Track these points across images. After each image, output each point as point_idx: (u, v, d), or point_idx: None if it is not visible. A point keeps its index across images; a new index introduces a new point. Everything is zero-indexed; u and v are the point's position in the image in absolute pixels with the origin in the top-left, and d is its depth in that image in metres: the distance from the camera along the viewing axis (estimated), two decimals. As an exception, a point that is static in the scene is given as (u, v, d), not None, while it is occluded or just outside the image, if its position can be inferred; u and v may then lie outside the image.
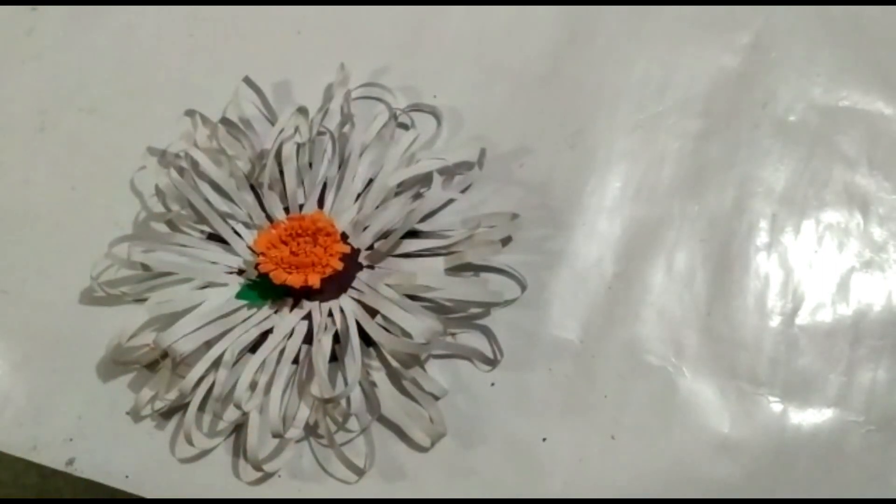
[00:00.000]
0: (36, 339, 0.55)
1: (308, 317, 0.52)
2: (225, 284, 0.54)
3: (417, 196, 0.54)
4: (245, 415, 0.49)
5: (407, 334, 0.50)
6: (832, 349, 0.50)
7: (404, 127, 0.58)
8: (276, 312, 0.53)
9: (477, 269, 0.54)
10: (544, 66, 0.59)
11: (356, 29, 0.63)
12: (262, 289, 0.53)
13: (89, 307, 0.55)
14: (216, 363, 0.51)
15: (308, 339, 0.52)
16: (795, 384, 0.49)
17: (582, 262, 0.53)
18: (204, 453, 0.51)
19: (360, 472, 0.49)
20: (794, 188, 0.54)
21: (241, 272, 0.54)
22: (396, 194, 0.54)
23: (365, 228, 0.54)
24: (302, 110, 0.57)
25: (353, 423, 0.50)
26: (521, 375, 0.51)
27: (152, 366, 0.53)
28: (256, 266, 0.52)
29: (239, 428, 0.51)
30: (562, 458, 0.49)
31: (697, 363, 0.50)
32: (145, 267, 0.54)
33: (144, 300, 0.54)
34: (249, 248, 0.55)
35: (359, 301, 0.52)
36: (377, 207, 0.54)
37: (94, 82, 0.63)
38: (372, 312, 0.52)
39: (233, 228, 0.55)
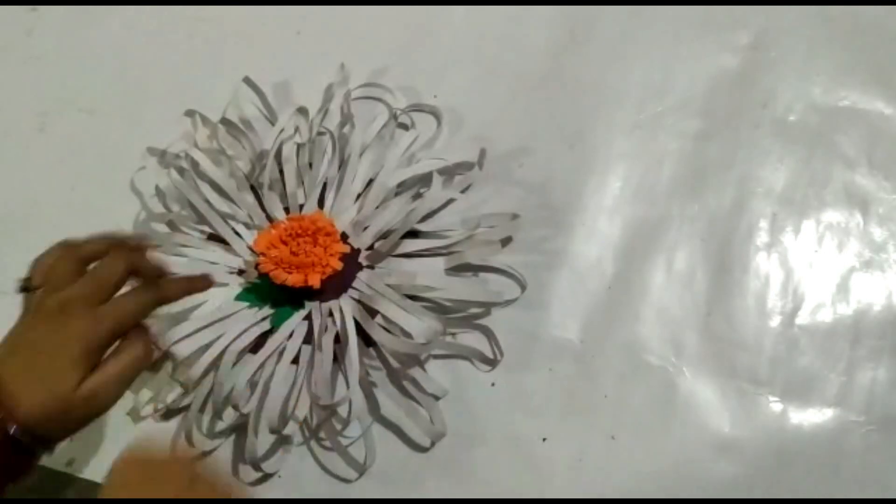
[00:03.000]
0: (36, 339, 0.55)
1: (308, 317, 0.52)
2: (225, 284, 0.54)
3: (417, 196, 0.54)
4: (244, 416, 0.49)
5: (407, 334, 0.50)
6: (832, 349, 0.50)
7: (404, 127, 0.58)
8: (276, 313, 0.53)
9: (477, 269, 0.54)
10: (544, 66, 0.59)
11: (356, 29, 0.63)
12: (262, 289, 0.53)
13: (89, 307, 0.55)
14: (216, 363, 0.51)
15: (308, 339, 0.52)
16: (796, 384, 0.49)
17: (582, 263, 0.53)
18: (204, 454, 0.51)
19: (359, 473, 0.49)
20: (794, 188, 0.54)
21: (241, 272, 0.54)
22: (396, 194, 0.54)
23: (365, 228, 0.54)
24: (302, 110, 0.57)
25: (352, 425, 0.50)
26: (521, 375, 0.51)
27: (152, 366, 0.53)
28: (256, 266, 0.52)
29: (239, 429, 0.51)
30: (562, 458, 0.49)
31: (697, 363, 0.50)
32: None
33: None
34: (249, 248, 0.55)
35: (359, 301, 0.52)
36: (377, 207, 0.54)
37: (93, 83, 0.63)
38: (372, 312, 0.52)
39: (233, 229, 0.55)
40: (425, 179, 0.55)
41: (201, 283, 0.47)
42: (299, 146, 0.55)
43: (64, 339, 0.39)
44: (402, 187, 0.55)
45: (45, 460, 0.43)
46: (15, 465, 0.38)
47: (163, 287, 0.44)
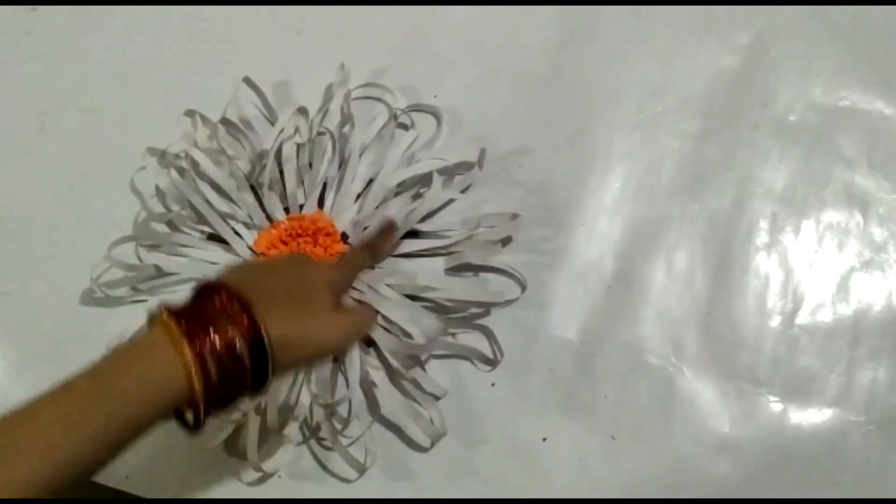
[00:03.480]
0: (36, 339, 0.55)
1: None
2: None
3: (417, 196, 0.54)
4: (244, 415, 0.49)
5: (407, 334, 0.50)
6: (832, 349, 0.50)
7: (404, 127, 0.58)
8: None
9: (477, 269, 0.54)
10: (544, 66, 0.59)
11: (356, 29, 0.62)
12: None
13: (89, 308, 0.55)
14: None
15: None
16: (795, 384, 0.49)
17: (582, 262, 0.53)
18: (204, 453, 0.51)
19: (359, 472, 0.49)
20: (794, 188, 0.54)
21: (241, 272, 0.54)
22: (396, 194, 0.54)
23: (365, 228, 0.54)
24: (302, 110, 0.57)
25: (353, 425, 0.50)
26: (521, 375, 0.51)
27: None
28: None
29: (239, 429, 0.51)
30: (562, 458, 0.49)
31: (697, 363, 0.50)
32: (149, 268, 0.54)
33: (144, 301, 0.54)
34: (250, 248, 0.54)
35: (359, 301, 0.52)
36: (377, 207, 0.54)
37: (93, 83, 0.63)
38: (372, 312, 0.52)
39: (233, 229, 0.55)
40: (425, 179, 0.55)
41: (395, 230, 0.51)
42: (299, 146, 0.55)
43: (314, 274, 0.41)
44: (401, 187, 0.55)
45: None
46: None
47: (377, 247, 0.49)
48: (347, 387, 0.50)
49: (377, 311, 0.49)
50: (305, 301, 0.39)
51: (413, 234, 0.54)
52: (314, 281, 0.40)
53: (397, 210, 0.53)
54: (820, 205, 0.53)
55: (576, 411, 0.50)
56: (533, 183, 0.56)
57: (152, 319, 0.36)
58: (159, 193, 0.57)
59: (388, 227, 0.50)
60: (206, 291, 0.37)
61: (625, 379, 0.50)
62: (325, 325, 0.39)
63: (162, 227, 0.57)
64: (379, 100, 0.60)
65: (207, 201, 0.55)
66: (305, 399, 0.50)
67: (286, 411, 0.50)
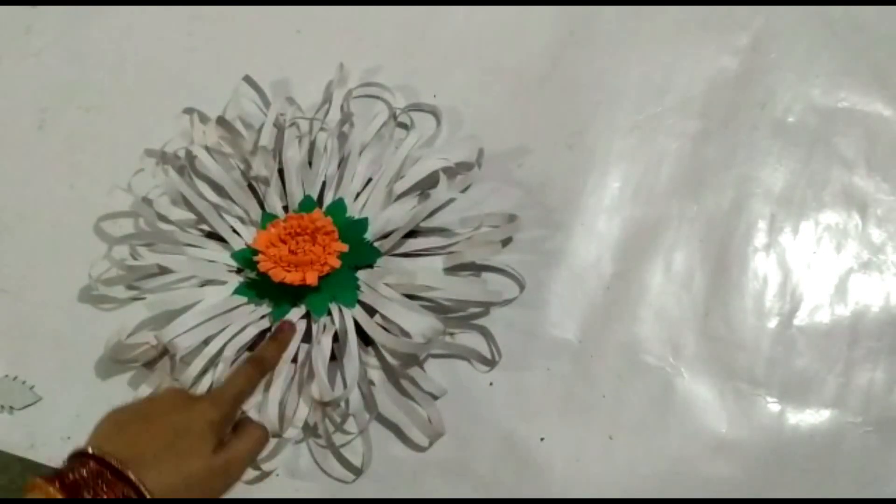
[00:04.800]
0: (34, 337, 0.55)
1: (307, 315, 0.52)
2: (224, 282, 0.54)
3: (421, 195, 0.54)
4: (244, 412, 0.49)
5: (406, 333, 0.50)
6: (830, 350, 0.50)
7: (404, 126, 0.58)
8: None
9: (476, 268, 0.54)
10: (544, 66, 0.60)
11: (356, 29, 0.63)
12: (261, 287, 0.53)
13: (88, 306, 0.55)
14: (215, 360, 0.51)
15: (307, 337, 0.52)
16: (793, 385, 0.49)
17: (580, 262, 0.53)
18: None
19: (357, 472, 0.49)
20: (793, 189, 0.54)
21: (240, 270, 0.54)
22: (403, 194, 0.54)
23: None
24: (301, 108, 0.57)
25: (351, 424, 0.50)
26: (519, 375, 0.51)
27: (150, 364, 0.53)
28: (256, 264, 0.52)
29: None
30: (559, 458, 0.49)
31: (695, 363, 0.50)
32: (147, 266, 0.54)
33: (143, 299, 0.54)
34: (248, 246, 0.54)
35: (358, 300, 0.52)
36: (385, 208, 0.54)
37: (93, 80, 0.63)
38: (371, 311, 0.52)
39: (231, 227, 0.55)
40: (426, 179, 0.55)
41: (287, 334, 0.50)
42: (299, 144, 0.55)
43: (192, 418, 0.41)
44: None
45: (43, 457, 0.43)
46: None
47: (264, 359, 0.48)
48: (345, 386, 0.49)
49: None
50: (185, 451, 0.39)
51: (412, 233, 0.54)
52: (192, 427, 0.40)
53: (399, 210, 0.53)
54: (818, 206, 0.54)
55: (574, 411, 0.50)
56: (532, 183, 0.56)
57: (29, 488, 0.36)
58: (158, 191, 0.57)
59: (280, 334, 0.50)
60: (78, 460, 0.37)
61: (623, 379, 0.50)
62: (208, 471, 0.39)
63: (161, 226, 0.57)
64: (379, 98, 0.60)
65: (206, 199, 0.55)
66: (305, 401, 0.50)
67: (284, 413, 0.49)
